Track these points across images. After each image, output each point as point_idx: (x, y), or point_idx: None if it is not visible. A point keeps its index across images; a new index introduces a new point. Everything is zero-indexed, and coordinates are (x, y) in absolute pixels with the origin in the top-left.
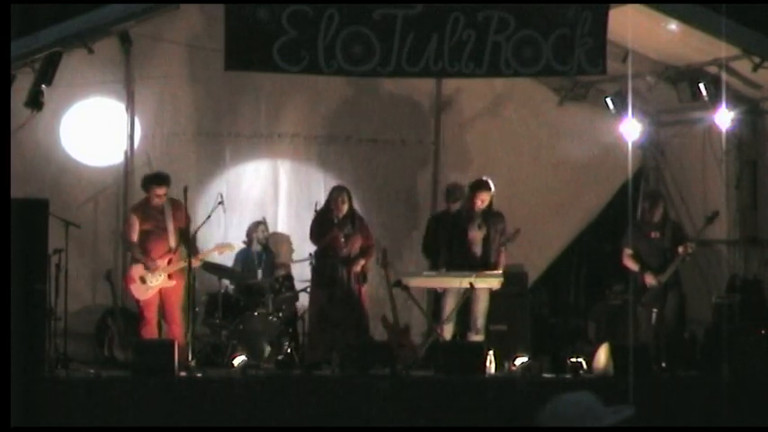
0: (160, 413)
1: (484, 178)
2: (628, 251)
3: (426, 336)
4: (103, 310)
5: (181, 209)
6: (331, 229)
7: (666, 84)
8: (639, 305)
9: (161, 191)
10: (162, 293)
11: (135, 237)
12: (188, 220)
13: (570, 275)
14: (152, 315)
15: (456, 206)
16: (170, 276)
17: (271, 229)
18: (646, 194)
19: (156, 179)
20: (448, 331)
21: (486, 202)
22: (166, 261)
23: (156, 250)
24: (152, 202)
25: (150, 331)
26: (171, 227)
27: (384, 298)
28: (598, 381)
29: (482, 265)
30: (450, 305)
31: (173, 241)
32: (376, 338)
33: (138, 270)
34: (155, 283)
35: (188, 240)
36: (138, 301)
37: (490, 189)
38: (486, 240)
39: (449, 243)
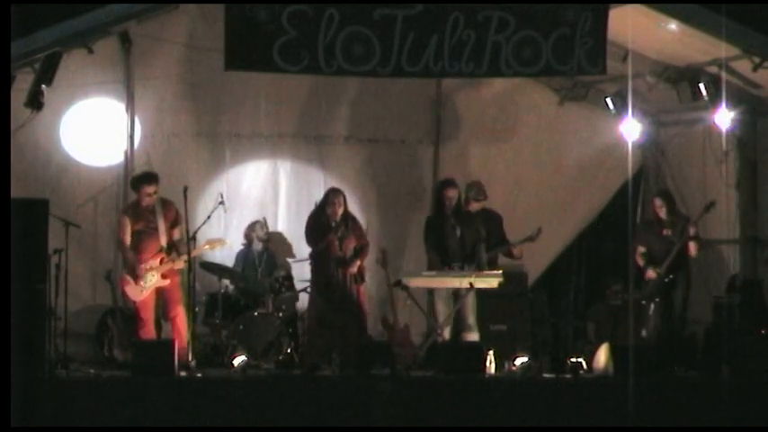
0: (160, 413)
1: (449, 177)
2: (641, 249)
3: (426, 336)
4: (103, 310)
5: (171, 209)
6: (326, 232)
7: (666, 84)
8: (640, 298)
9: (150, 189)
10: (159, 292)
11: (127, 239)
12: (180, 218)
13: (570, 275)
14: (148, 316)
15: (477, 205)
16: (163, 276)
17: (270, 229)
18: (654, 192)
19: (145, 178)
20: (446, 333)
21: (455, 200)
22: (158, 260)
23: (147, 250)
24: (143, 202)
25: (148, 332)
26: (162, 226)
27: (384, 298)
28: (598, 381)
29: (460, 262)
30: (440, 308)
31: (164, 240)
32: (376, 338)
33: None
34: (148, 283)
35: (181, 239)
36: (134, 303)
37: (456, 186)
38: (461, 238)
39: (433, 243)
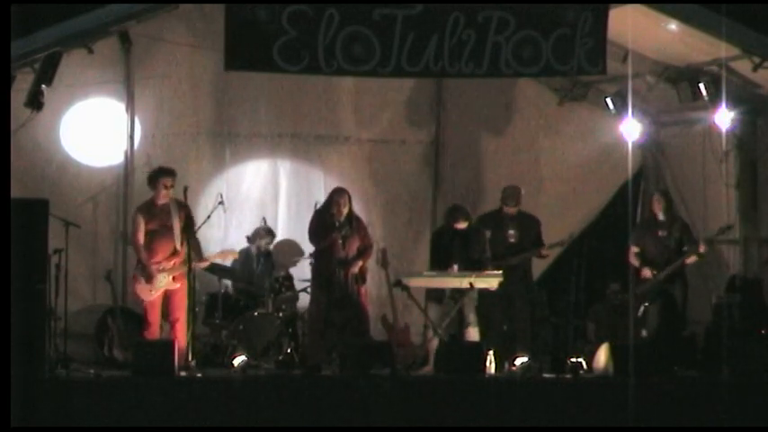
0: (160, 413)
1: (461, 206)
2: (634, 249)
3: (424, 336)
4: (103, 310)
5: (187, 210)
6: (330, 231)
7: (666, 84)
8: (637, 298)
9: (168, 181)
10: (166, 295)
11: (141, 237)
12: (192, 221)
13: (570, 275)
14: (155, 317)
15: (511, 210)
16: (174, 278)
17: (271, 227)
18: (653, 192)
19: (164, 170)
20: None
21: (464, 226)
22: (171, 262)
23: (161, 251)
24: (158, 199)
25: (153, 333)
26: (176, 227)
27: (384, 298)
28: (598, 381)
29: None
30: (432, 313)
31: (178, 242)
32: (376, 338)
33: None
34: (159, 284)
35: (193, 241)
36: (142, 302)
37: (468, 217)
38: (465, 261)
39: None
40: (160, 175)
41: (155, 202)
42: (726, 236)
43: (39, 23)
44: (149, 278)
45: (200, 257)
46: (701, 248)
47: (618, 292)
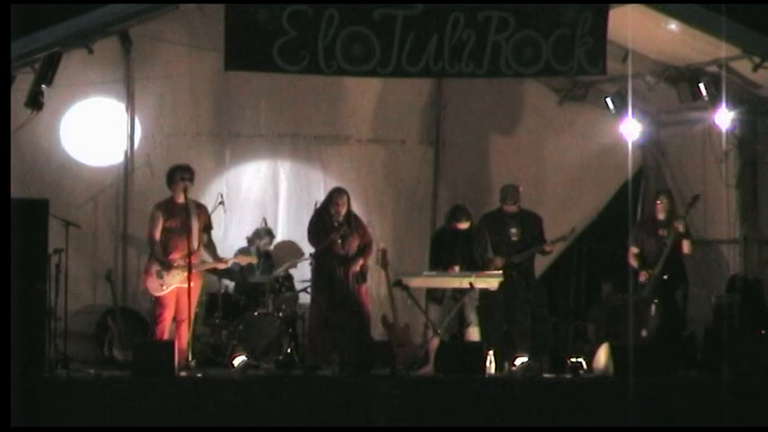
0: (160, 413)
1: (462, 206)
2: (634, 250)
3: (425, 336)
4: (103, 310)
5: (205, 212)
6: (329, 231)
7: (666, 84)
8: (639, 301)
9: (186, 175)
10: (177, 295)
11: (158, 233)
12: (211, 223)
13: (570, 275)
14: (167, 315)
15: (512, 208)
16: (187, 277)
17: (271, 227)
18: (653, 192)
19: (181, 167)
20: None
21: (466, 227)
22: (186, 261)
23: (178, 249)
24: (178, 198)
25: (162, 330)
26: (195, 227)
27: (384, 298)
28: (598, 381)
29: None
30: (433, 313)
31: (195, 242)
32: (376, 338)
33: (156, 266)
34: (171, 281)
35: (210, 243)
36: (151, 298)
37: (470, 218)
38: (467, 261)
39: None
40: (177, 171)
41: (174, 200)
42: (695, 207)
43: (39, 23)
44: (161, 274)
45: (218, 259)
46: (680, 227)
47: (611, 293)
